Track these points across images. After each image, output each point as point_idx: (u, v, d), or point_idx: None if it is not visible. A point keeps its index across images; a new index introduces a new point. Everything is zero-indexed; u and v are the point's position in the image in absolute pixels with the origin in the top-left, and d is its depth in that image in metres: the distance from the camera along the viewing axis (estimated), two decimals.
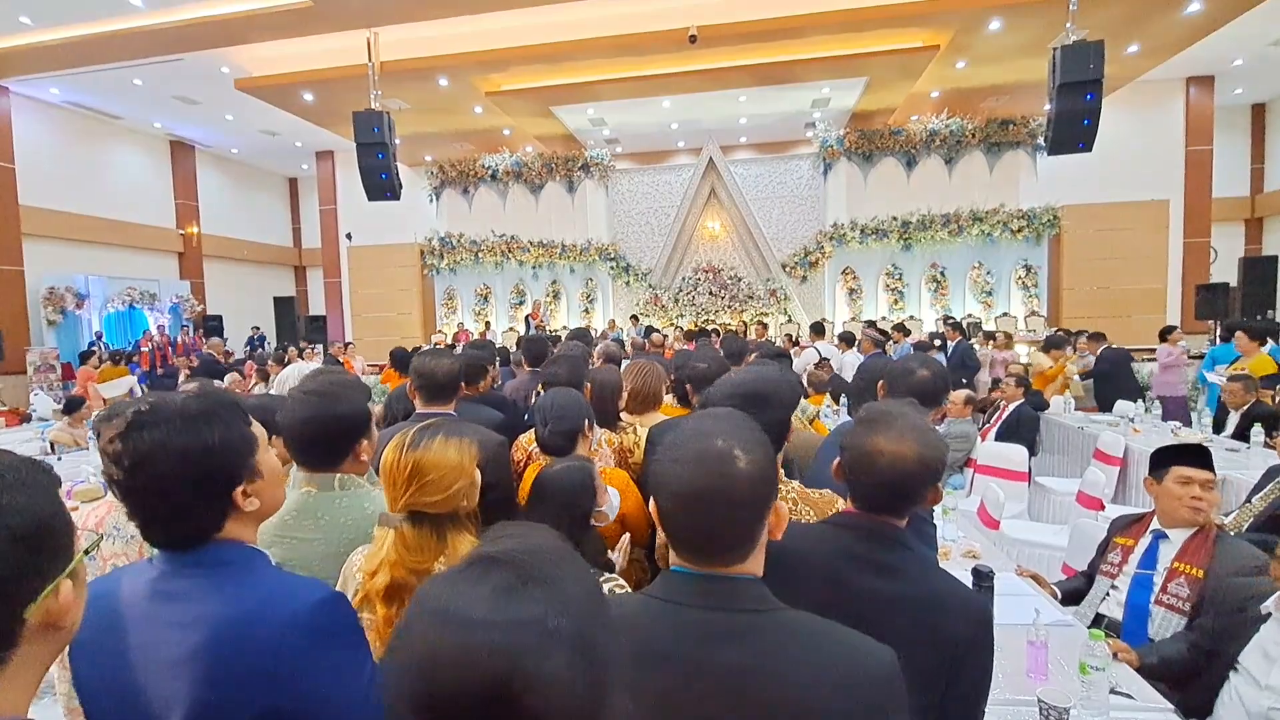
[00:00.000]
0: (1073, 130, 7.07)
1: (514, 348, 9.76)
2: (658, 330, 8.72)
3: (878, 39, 9.27)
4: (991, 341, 8.53)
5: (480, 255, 14.11)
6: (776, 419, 1.56)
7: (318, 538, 1.42)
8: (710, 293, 13.57)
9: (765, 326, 11.25)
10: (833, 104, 11.84)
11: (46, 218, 11.60)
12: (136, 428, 0.91)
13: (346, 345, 10.36)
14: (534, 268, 14.20)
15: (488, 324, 14.04)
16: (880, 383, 2.24)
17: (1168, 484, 2.36)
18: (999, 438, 5.04)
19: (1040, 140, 11.46)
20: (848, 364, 7.40)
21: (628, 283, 13.97)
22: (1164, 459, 2.42)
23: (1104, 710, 1.65)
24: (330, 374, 1.66)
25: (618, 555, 1.74)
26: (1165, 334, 7.13)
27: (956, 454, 4.71)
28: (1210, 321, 10.71)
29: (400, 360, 7.18)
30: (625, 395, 2.71)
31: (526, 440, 2.47)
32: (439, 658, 0.53)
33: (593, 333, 11.37)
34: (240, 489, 0.96)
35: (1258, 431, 4.41)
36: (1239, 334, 5.96)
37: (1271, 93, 13.07)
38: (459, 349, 7.32)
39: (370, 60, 8.36)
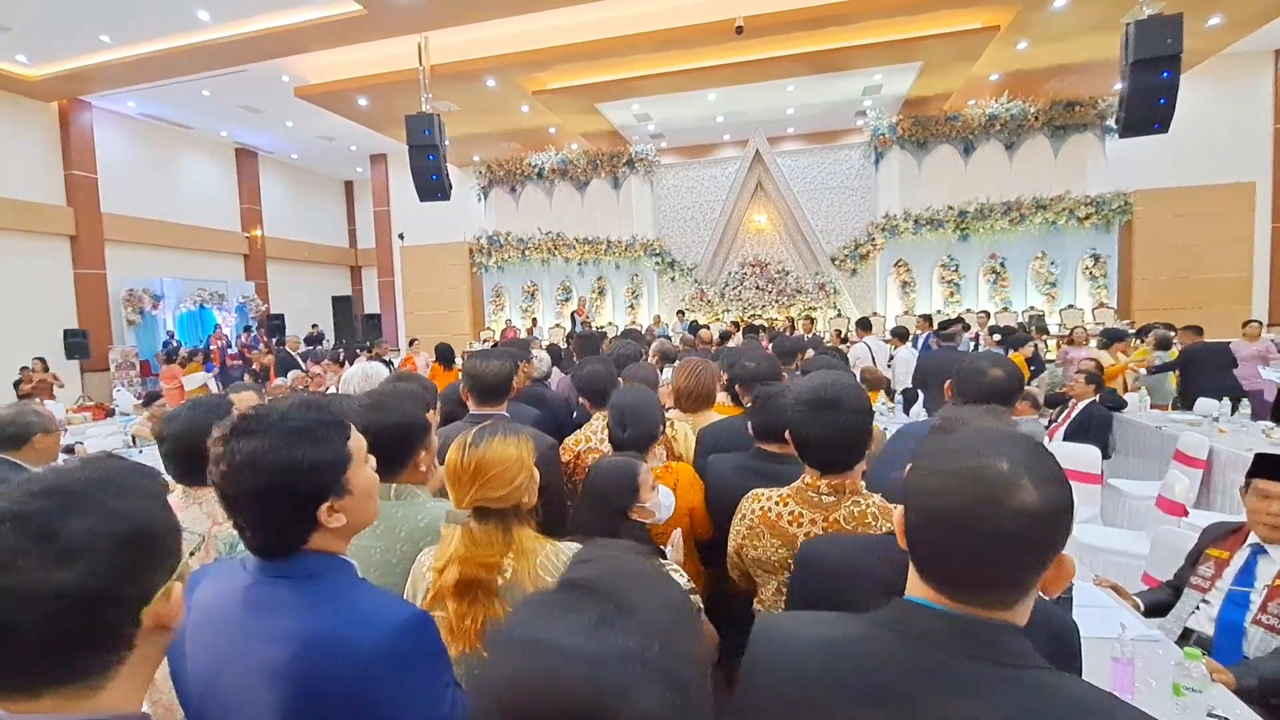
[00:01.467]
0: (1147, 110, 6.65)
1: (563, 344, 9.88)
2: (705, 326, 8.63)
3: (933, 21, 8.95)
4: (1045, 336, 8.13)
5: (527, 253, 14.31)
6: (853, 424, 1.48)
7: (375, 545, 1.43)
8: (757, 287, 13.39)
9: (813, 321, 11.04)
10: (885, 90, 11.49)
11: (125, 224, 12.32)
12: (237, 434, 0.93)
13: (412, 342, 10.68)
14: (580, 264, 14.31)
15: (535, 321, 14.23)
16: (947, 383, 2.14)
17: (1248, 497, 2.22)
18: (1068, 437, 4.79)
19: (1110, 122, 10.86)
20: (900, 360, 7.19)
21: (673, 278, 13.93)
22: (1251, 469, 2.27)
23: None
24: (390, 384, 1.69)
25: (670, 550, 1.74)
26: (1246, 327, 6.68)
27: None
28: None
29: (444, 355, 7.32)
30: (674, 393, 2.71)
31: (574, 441, 2.47)
32: (530, 687, 0.53)
33: (639, 329, 11.38)
34: (326, 505, 0.96)
35: None
36: None
37: None
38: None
39: (421, 64, 8.53)
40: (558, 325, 14.07)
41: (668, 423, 2.56)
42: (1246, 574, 2.21)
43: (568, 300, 14.49)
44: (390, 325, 15.57)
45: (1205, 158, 11.43)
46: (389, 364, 8.76)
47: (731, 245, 13.81)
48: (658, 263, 13.91)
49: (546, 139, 13.60)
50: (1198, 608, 2.30)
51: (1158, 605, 2.44)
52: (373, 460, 1.07)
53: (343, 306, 15.63)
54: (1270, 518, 2.14)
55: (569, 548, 1.33)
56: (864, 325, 7.92)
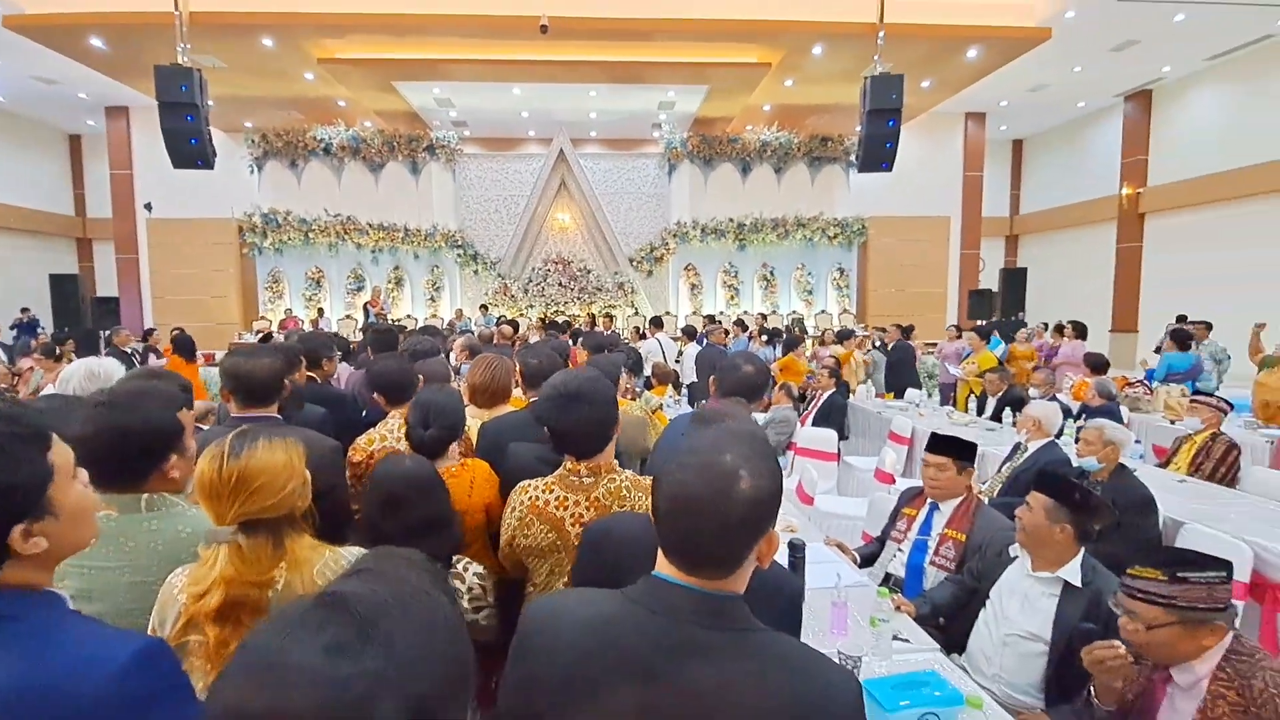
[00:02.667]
0: (878, 151, 8.01)
1: (353, 337, 9.17)
2: (510, 321, 8.66)
3: (719, 51, 9.87)
4: (805, 336, 9.58)
5: (311, 235, 12.99)
6: (596, 414, 1.69)
7: (122, 565, 1.27)
8: (560, 284, 13.67)
9: (612, 319, 11.58)
10: (678, 108, 12.39)
11: None
12: None
13: (175, 332, 8.95)
14: (374, 252, 13.36)
15: (320, 311, 12.98)
16: (711, 377, 2.51)
17: (921, 466, 2.86)
18: (815, 423, 5.69)
19: (853, 158, 12.89)
20: (688, 356, 7.90)
21: (476, 271, 13.66)
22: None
23: (888, 655, 1.98)
24: (138, 379, 1.51)
25: None
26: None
27: (780, 437, 5.29)
28: (980, 321, 12.81)
29: (184, 347, 6.38)
30: (469, 389, 2.69)
31: (367, 440, 2.37)
32: (256, 706, 0.50)
33: (439, 324, 10.99)
34: (21, 528, 0.82)
35: (1009, 414, 5.39)
36: (970, 334, 7.20)
37: (1027, 131, 15.82)
38: (280, 338, 6.65)
39: (177, 9, 7.35)
40: (348, 316, 13.02)
41: None
42: (926, 525, 2.85)
43: (360, 290, 13.46)
44: (132, 311, 13.04)
45: (917, 195, 14.02)
46: (133, 355, 7.46)
47: (535, 241, 13.92)
48: (460, 255, 13.53)
49: (335, 112, 12.46)
50: (895, 555, 2.92)
51: (870, 556, 3.02)
52: (84, 475, 0.95)
53: (66, 287, 12.71)
54: (931, 480, 2.77)
55: (350, 554, 1.28)
56: (656, 323, 8.60)
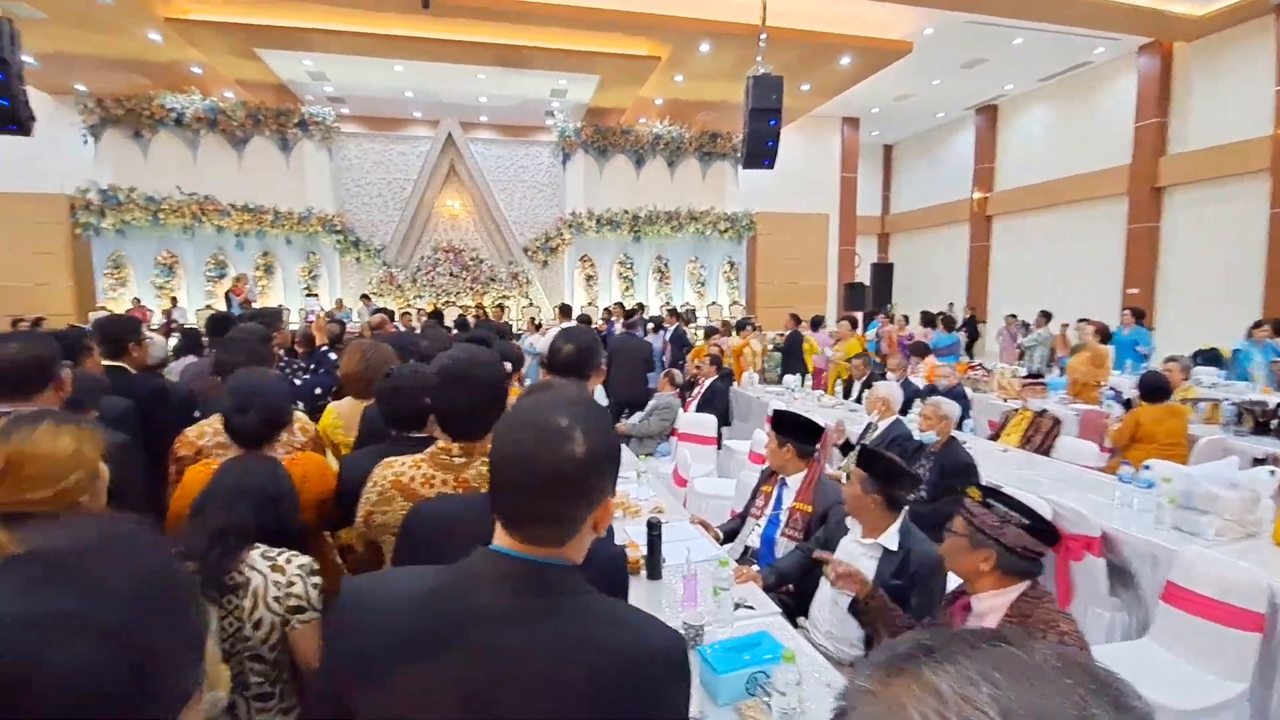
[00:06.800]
0: (760, 149, 8.32)
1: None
2: (389, 313, 8.27)
3: (607, 41, 9.89)
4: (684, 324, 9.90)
5: (161, 215, 11.71)
6: (479, 396, 1.64)
7: None
8: (451, 274, 13.23)
9: (502, 309, 11.37)
10: (570, 96, 12.30)
11: None
12: None
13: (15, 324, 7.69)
14: (238, 236, 12.28)
15: (174, 300, 11.79)
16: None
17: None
18: (699, 409, 5.88)
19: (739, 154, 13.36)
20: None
21: (358, 259, 12.92)
22: None
23: (730, 621, 2.07)
24: None
25: None
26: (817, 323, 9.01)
27: (663, 423, 5.43)
28: (856, 312, 13.71)
29: None
30: (344, 378, 2.65)
31: (196, 434, 2.21)
32: None
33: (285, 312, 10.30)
34: None
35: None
36: (842, 323, 7.75)
37: (896, 137, 17.04)
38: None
39: None
40: (208, 307, 11.90)
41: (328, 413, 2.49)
42: (778, 501, 3.06)
43: (223, 277, 12.32)
44: None
45: (801, 192, 14.76)
46: None
47: (424, 229, 13.37)
48: (339, 241, 12.73)
49: (188, 79, 11.30)
50: (753, 530, 3.10)
51: (732, 532, 3.16)
52: None
53: None
54: (774, 455, 2.96)
55: None
56: (565, 311, 8.60)
